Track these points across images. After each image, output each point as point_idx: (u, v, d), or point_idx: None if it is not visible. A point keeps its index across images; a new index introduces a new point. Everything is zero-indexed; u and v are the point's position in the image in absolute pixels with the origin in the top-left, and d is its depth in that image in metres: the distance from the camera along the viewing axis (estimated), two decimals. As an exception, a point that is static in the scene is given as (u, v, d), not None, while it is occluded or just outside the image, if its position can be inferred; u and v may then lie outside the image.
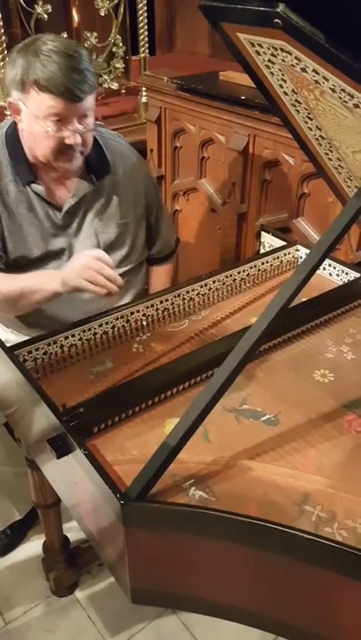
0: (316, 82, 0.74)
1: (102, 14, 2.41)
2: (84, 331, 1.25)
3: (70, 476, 1.04)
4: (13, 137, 1.35)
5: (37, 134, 1.27)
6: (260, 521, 0.82)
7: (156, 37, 3.39)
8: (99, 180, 1.42)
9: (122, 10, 2.46)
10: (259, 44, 0.77)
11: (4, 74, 1.28)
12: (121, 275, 1.47)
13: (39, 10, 2.21)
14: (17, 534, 1.75)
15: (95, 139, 1.40)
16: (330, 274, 1.53)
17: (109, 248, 1.46)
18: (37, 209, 1.38)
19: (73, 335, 1.24)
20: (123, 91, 2.61)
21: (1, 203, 1.36)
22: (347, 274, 1.49)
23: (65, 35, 2.32)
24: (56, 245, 1.41)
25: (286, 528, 0.81)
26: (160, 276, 1.70)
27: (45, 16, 2.23)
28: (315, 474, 0.97)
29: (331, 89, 0.74)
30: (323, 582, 0.83)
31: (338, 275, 1.52)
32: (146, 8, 2.44)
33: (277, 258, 1.56)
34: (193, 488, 0.94)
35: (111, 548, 0.99)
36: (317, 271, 1.50)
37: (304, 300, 1.37)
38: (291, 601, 0.89)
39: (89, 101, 1.26)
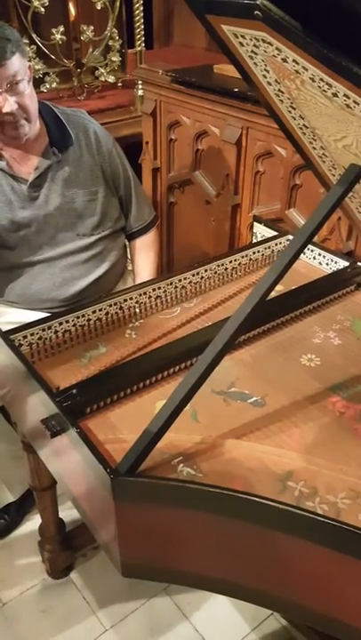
0: (297, 71, 0.78)
1: (99, 8, 2.44)
2: (77, 317, 1.29)
3: (64, 456, 1.08)
4: None
5: None
6: (244, 494, 0.86)
7: (153, 31, 3.41)
8: (61, 152, 1.49)
9: (118, 3, 2.48)
10: (242, 36, 0.80)
11: None
12: (94, 242, 1.54)
13: (36, 3, 2.24)
14: (14, 518, 1.79)
15: (57, 115, 1.50)
16: (320, 262, 1.56)
17: (79, 217, 1.53)
18: (3, 184, 1.46)
19: (67, 321, 1.27)
20: (119, 84, 2.64)
21: None
22: (336, 262, 1.52)
23: (62, 28, 2.34)
24: (25, 217, 1.48)
25: (269, 501, 0.84)
26: (139, 250, 1.73)
27: (42, 9, 2.26)
28: (298, 452, 1.00)
29: (310, 78, 0.77)
30: (305, 554, 0.87)
31: (327, 263, 1.55)
32: (142, 1, 2.46)
33: (269, 247, 1.59)
34: (181, 465, 0.98)
35: (103, 524, 1.02)
36: (308, 260, 1.57)
37: (294, 287, 1.41)
38: (275, 573, 0.93)
39: (12, 67, 1.32)
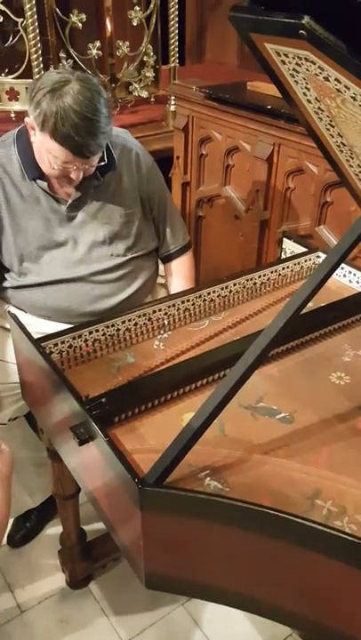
0: (338, 90, 0.78)
1: (135, 24, 2.48)
2: (107, 326, 1.30)
3: (90, 464, 1.09)
4: (25, 137, 1.43)
5: (44, 162, 1.37)
6: (272, 510, 0.85)
7: (185, 48, 3.46)
8: (103, 175, 1.48)
9: (154, 20, 2.53)
10: (284, 54, 0.81)
11: (31, 102, 1.30)
12: (127, 261, 1.56)
13: (74, 19, 2.28)
14: (34, 525, 1.80)
15: None
16: (350, 280, 1.56)
17: (114, 238, 1.53)
18: (42, 202, 1.46)
19: (97, 330, 1.29)
20: (152, 99, 2.68)
21: (5, 202, 1.45)
22: (366, 281, 1.52)
23: (98, 43, 2.39)
24: (60, 235, 1.49)
25: (297, 518, 0.83)
26: (174, 275, 1.72)
27: (80, 25, 2.30)
28: (327, 470, 0.99)
29: (352, 97, 0.78)
30: (333, 573, 0.86)
31: (358, 281, 1.54)
32: (177, 19, 2.50)
33: (298, 263, 1.59)
34: (208, 478, 0.97)
35: (127, 533, 1.02)
36: (338, 278, 1.56)
37: (323, 304, 1.40)
38: (300, 591, 0.91)
39: (96, 158, 1.36)
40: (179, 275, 1.71)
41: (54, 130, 1.27)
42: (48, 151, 1.32)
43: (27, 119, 1.34)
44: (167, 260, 1.71)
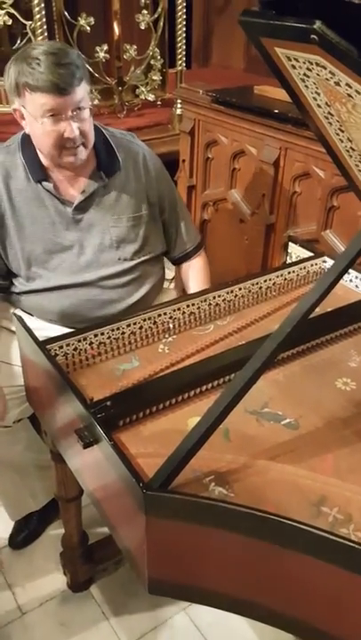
0: (349, 95, 0.78)
1: (142, 28, 2.49)
2: (112, 330, 1.30)
3: (94, 467, 1.08)
4: (27, 140, 1.44)
5: (39, 133, 1.36)
6: (277, 517, 0.84)
7: (192, 51, 3.47)
8: (109, 177, 1.48)
9: (161, 24, 2.53)
10: (295, 59, 0.81)
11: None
12: (135, 266, 1.55)
13: (82, 22, 2.29)
14: (35, 528, 1.79)
15: (106, 138, 1.50)
16: (356, 286, 1.55)
17: (121, 242, 1.53)
18: (48, 205, 1.46)
19: (102, 333, 1.28)
20: (158, 102, 2.68)
21: (10, 207, 1.44)
22: (373, 286, 1.51)
23: (106, 47, 2.40)
24: (67, 239, 1.49)
25: (303, 525, 0.83)
26: (191, 275, 1.72)
27: (88, 28, 2.31)
28: (333, 477, 0.99)
29: (363, 102, 0.77)
30: (339, 581, 0.85)
31: (364, 287, 1.54)
32: (184, 23, 2.51)
33: (304, 268, 1.58)
34: (213, 484, 0.97)
35: (131, 538, 1.02)
36: (345, 283, 1.56)
37: (330, 309, 1.40)
38: (304, 598, 0.91)
39: (79, 93, 1.33)
40: (197, 275, 1.71)
41: (26, 80, 1.28)
42: (34, 116, 1.32)
43: (13, 107, 1.36)
44: (185, 259, 1.71)
